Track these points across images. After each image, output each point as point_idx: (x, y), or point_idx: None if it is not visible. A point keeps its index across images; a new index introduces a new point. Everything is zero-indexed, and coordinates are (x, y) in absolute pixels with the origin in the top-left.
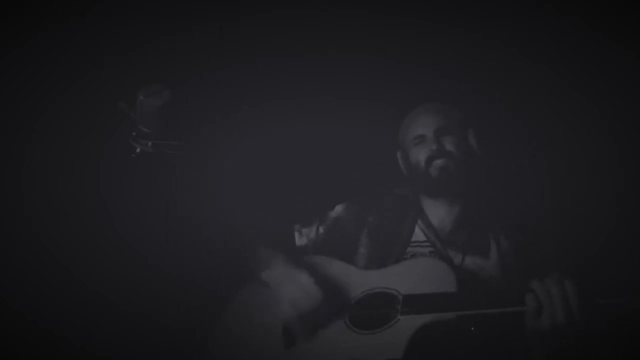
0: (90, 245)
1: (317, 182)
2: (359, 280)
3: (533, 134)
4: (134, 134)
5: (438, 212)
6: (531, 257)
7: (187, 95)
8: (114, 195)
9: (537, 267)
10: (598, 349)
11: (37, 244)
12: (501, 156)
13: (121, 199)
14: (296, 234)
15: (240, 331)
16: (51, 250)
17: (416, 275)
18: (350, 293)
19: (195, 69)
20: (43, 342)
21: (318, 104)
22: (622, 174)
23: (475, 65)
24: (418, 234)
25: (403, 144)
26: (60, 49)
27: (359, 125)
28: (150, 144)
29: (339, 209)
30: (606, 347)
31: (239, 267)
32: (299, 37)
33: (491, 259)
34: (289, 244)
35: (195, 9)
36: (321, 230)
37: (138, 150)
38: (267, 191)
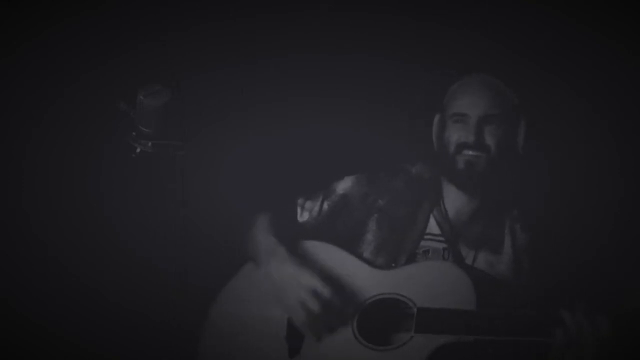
0: (90, 244)
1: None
2: (369, 281)
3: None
4: (134, 134)
5: (456, 201)
6: (547, 261)
7: (187, 95)
8: (114, 195)
9: (554, 273)
10: None
11: (37, 243)
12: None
13: (121, 199)
14: (298, 209)
15: (237, 326)
16: (51, 250)
17: (432, 282)
18: (358, 296)
19: (195, 69)
20: (43, 342)
21: (318, 104)
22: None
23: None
24: (432, 226)
25: (444, 111)
26: (60, 48)
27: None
28: (150, 144)
29: (347, 183)
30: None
31: (239, 266)
32: (299, 37)
33: (504, 254)
34: (291, 225)
35: (195, 9)
36: (325, 206)
37: (138, 150)
38: (269, 181)
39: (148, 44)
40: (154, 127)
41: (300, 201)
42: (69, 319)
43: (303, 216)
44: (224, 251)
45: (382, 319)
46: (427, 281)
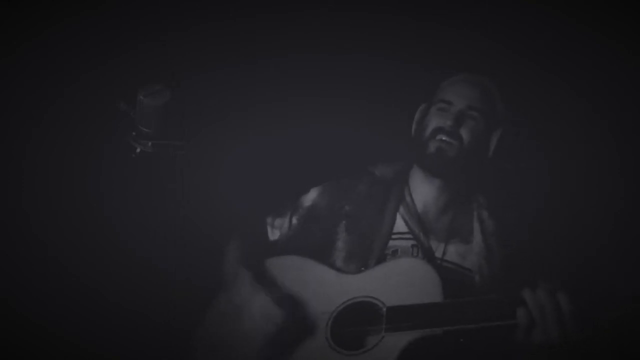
0: (90, 244)
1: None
2: (338, 288)
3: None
4: (134, 134)
5: (425, 193)
6: (517, 254)
7: (187, 95)
8: (114, 195)
9: (523, 265)
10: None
11: (37, 243)
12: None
13: (121, 199)
14: (269, 228)
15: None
16: (51, 250)
17: (399, 279)
18: (329, 305)
19: (195, 69)
20: (43, 342)
21: (318, 104)
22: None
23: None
24: (399, 224)
25: (431, 101)
26: (60, 48)
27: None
28: (150, 144)
29: (313, 194)
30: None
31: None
32: (299, 37)
33: (475, 243)
34: (261, 244)
35: (195, 9)
36: (295, 220)
37: (138, 150)
38: (269, 181)
39: (148, 44)
40: (154, 127)
41: (269, 220)
42: (69, 319)
43: (274, 234)
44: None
45: (355, 324)
46: (395, 280)
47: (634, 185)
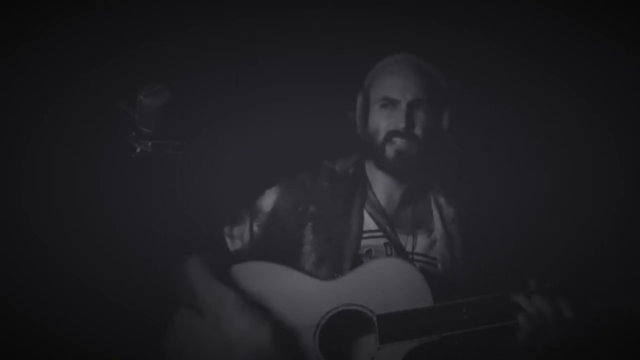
0: (90, 244)
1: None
2: (317, 297)
3: (525, 126)
4: (134, 134)
5: (385, 186)
6: (481, 244)
7: (187, 95)
8: (114, 195)
9: (485, 245)
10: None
11: (37, 243)
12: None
13: (121, 199)
14: (227, 239)
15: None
16: (51, 250)
17: (383, 283)
18: (311, 316)
19: (195, 69)
20: (43, 342)
21: (318, 104)
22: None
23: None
24: (367, 222)
25: (368, 94)
26: (60, 48)
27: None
28: (150, 144)
29: (271, 197)
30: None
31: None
32: (299, 37)
33: (435, 230)
34: (223, 257)
35: (195, 9)
36: (255, 227)
37: (138, 150)
38: (269, 181)
39: (148, 44)
40: (154, 127)
41: (226, 230)
42: (69, 319)
43: (235, 244)
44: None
45: (342, 335)
46: (378, 283)
47: (634, 185)
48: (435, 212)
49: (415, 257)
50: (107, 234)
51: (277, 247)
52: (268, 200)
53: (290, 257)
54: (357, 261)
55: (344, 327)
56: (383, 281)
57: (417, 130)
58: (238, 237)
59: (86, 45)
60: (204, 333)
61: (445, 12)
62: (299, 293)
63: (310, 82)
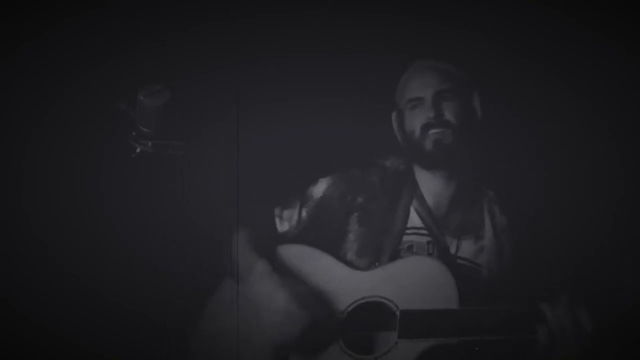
0: (90, 244)
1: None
2: (350, 284)
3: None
4: (134, 134)
5: (434, 188)
6: (528, 244)
7: (187, 95)
8: (114, 195)
9: (535, 269)
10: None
11: (37, 243)
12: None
13: (121, 199)
14: (277, 220)
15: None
16: (51, 250)
17: (413, 280)
18: (341, 303)
19: (195, 69)
20: (43, 342)
21: (318, 104)
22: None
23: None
24: (413, 219)
25: (399, 106)
26: (60, 48)
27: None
28: (150, 144)
29: (322, 185)
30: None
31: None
32: (299, 37)
33: (486, 238)
34: (271, 236)
35: (195, 9)
36: (304, 213)
37: (138, 150)
38: (270, 181)
39: (148, 44)
40: (154, 127)
41: (277, 211)
42: (69, 319)
43: (283, 226)
44: (224, 252)
45: (365, 325)
46: (408, 280)
47: (634, 185)
48: (487, 221)
49: (460, 261)
50: (107, 234)
51: (322, 234)
52: (319, 188)
53: (333, 245)
54: (396, 255)
55: (368, 316)
56: (415, 278)
57: (448, 116)
58: (287, 219)
59: (86, 45)
60: (237, 298)
61: (445, 12)
62: (333, 279)
63: (310, 82)
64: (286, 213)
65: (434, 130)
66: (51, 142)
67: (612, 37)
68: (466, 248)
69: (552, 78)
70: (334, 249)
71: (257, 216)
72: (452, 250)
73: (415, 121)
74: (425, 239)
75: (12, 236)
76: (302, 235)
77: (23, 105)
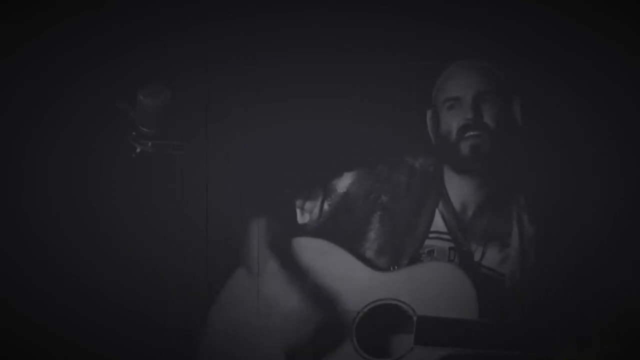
0: (90, 244)
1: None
2: (367, 284)
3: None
4: (134, 134)
5: (462, 193)
6: (551, 256)
7: (187, 95)
8: (114, 195)
9: (558, 270)
10: None
11: (37, 243)
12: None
13: (121, 199)
14: (298, 211)
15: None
16: (51, 250)
17: (432, 286)
18: (356, 303)
19: (195, 69)
20: (43, 342)
21: (318, 104)
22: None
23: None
24: (437, 222)
25: (435, 104)
26: (60, 48)
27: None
28: (150, 144)
29: (347, 180)
30: None
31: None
32: (299, 37)
33: (512, 248)
34: (289, 228)
35: (195, 9)
36: (326, 206)
37: (138, 150)
38: (269, 181)
39: (148, 44)
40: (154, 127)
41: (299, 202)
42: (69, 319)
43: (304, 218)
44: (225, 252)
45: (381, 327)
46: (428, 285)
47: (634, 185)
48: (515, 230)
49: (483, 269)
50: (107, 234)
51: (343, 229)
52: (344, 182)
53: (353, 241)
54: (416, 258)
55: (384, 319)
56: (435, 284)
57: (487, 119)
58: (308, 211)
59: (86, 45)
60: (248, 294)
61: (445, 12)
62: (350, 277)
63: (311, 82)
64: (308, 205)
65: (472, 133)
66: (51, 142)
67: (612, 37)
68: (491, 256)
69: (552, 78)
70: (353, 246)
71: (279, 208)
72: (477, 257)
73: (452, 122)
74: (447, 245)
75: (12, 236)
76: (322, 228)
77: (23, 105)
